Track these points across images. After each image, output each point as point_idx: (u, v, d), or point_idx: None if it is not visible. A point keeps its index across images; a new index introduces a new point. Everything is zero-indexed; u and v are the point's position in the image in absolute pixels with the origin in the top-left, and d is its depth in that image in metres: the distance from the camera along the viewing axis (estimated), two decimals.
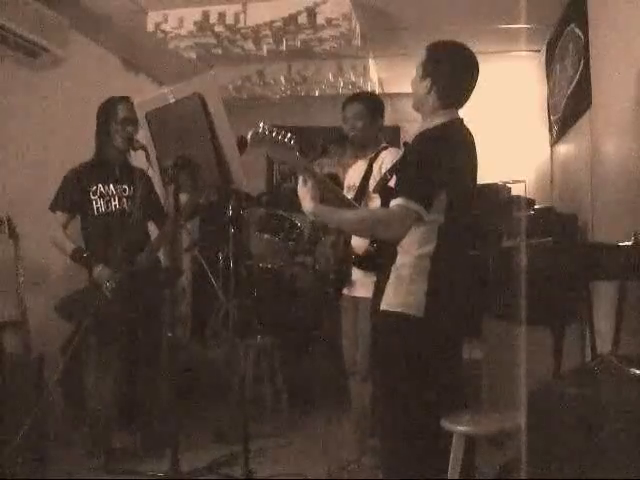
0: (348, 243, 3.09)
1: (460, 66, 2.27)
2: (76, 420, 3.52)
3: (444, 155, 2.14)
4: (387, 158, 3.11)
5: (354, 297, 3.19)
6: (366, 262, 2.80)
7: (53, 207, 3.37)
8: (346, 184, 3.37)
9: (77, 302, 3.25)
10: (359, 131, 3.22)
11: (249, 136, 2.13)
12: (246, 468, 2.94)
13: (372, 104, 3.26)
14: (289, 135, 2.15)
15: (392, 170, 2.64)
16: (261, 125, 2.14)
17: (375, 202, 2.98)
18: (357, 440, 3.32)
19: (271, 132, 2.13)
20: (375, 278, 2.54)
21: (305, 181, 2.18)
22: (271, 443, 3.69)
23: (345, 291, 3.26)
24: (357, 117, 3.22)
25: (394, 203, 2.08)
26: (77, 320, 3.23)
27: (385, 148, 3.24)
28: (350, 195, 3.17)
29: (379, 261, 2.38)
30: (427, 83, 2.24)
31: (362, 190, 3.17)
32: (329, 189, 2.33)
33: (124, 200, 3.42)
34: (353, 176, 3.33)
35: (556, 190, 4.47)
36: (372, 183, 3.12)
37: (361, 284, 3.11)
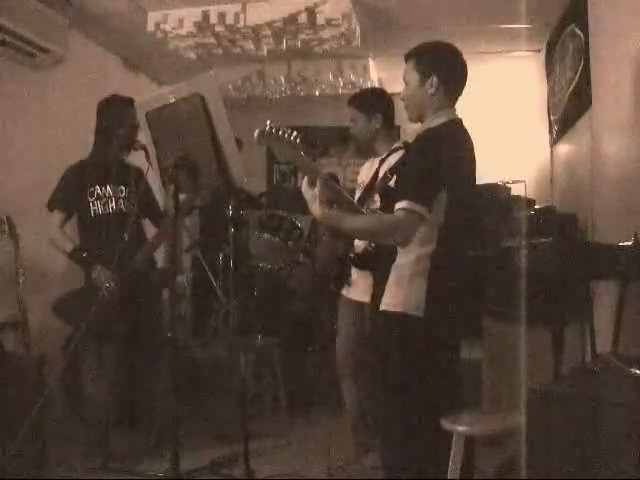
0: (348, 243, 3.08)
1: (457, 60, 2.27)
2: (76, 420, 3.52)
3: (446, 155, 2.14)
4: (393, 161, 3.10)
5: (351, 300, 3.17)
6: (364, 261, 2.80)
7: (51, 205, 3.36)
8: (358, 181, 3.36)
9: (73, 302, 3.25)
10: (356, 134, 3.21)
11: (255, 134, 2.13)
12: (246, 468, 2.94)
13: (365, 104, 3.20)
14: (295, 134, 2.15)
15: (393, 170, 2.64)
16: (268, 123, 2.14)
17: (377, 204, 2.98)
18: (356, 440, 3.32)
19: (277, 131, 2.13)
20: (373, 279, 2.54)
21: (312, 183, 2.17)
22: (271, 443, 3.69)
23: (344, 292, 3.25)
24: (353, 121, 3.20)
25: (399, 207, 2.07)
26: (73, 320, 3.23)
27: (396, 150, 3.20)
28: (358, 193, 3.17)
29: (377, 260, 2.38)
30: (432, 81, 2.22)
31: (368, 191, 3.16)
32: (334, 190, 2.33)
33: (121, 201, 3.41)
34: (364, 174, 3.33)
35: (556, 190, 4.47)
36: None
37: (364, 288, 3.09)
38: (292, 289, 4.84)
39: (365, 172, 3.34)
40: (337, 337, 3.37)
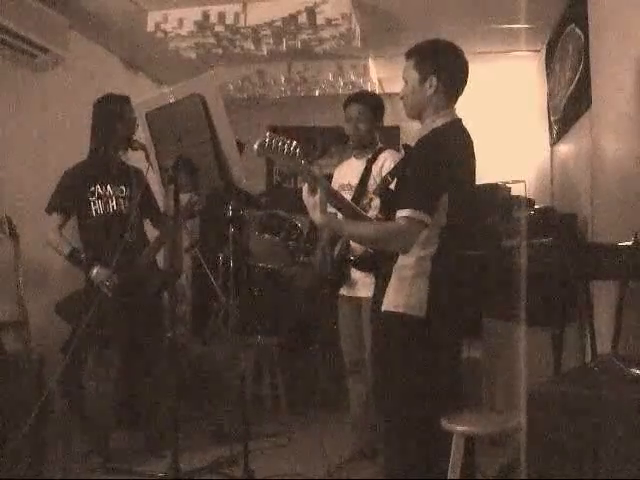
0: (347, 243, 3.09)
1: (458, 59, 2.27)
2: (76, 420, 3.52)
3: (447, 158, 2.14)
4: (387, 161, 3.12)
5: (356, 298, 3.18)
6: (364, 263, 2.81)
7: (49, 209, 3.36)
8: (339, 182, 3.35)
9: (77, 303, 3.25)
10: (362, 132, 3.22)
11: (255, 147, 2.13)
12: (246, 468, 2.94)
13: (374, 104, 3.27)
14: (294, 144, 2.15)
15: (393, 173, 2.64)
16: (267, 135, 2.14)
17: (373, 204, 2.99)
18: (358, 439, 3.33)
19: (277, 142, 2.13)
20: (374, 279, 2.54)
21: (313, 190, 2.16)
22: (271, 443, 3.69)
23: (344, 292, 3.26)
24: (360, 118, 3.21)
25: (401, 215, 2.07)
26: (77, 321, 3.23)
27: (381, 150, 3.24)
28: (346, 194, 3.17)
29: (377, 262, 2.38)
30: (431, 82, 2.21)
31: (360, 191, 3.17)
32: (335, 197, 2.33)
33: (121, 201, 3.41)
34: (347, 175, 3.33)
35: (556, 190, 4.47)
36: (371, 184, 3.12)
37: (362, 284, 3.11)
38: (292, 289, 4.84)
39: (347, 173, 3.34)
40: (341, 336, 3.38)
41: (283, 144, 2.12)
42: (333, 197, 2.28)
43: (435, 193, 2.11)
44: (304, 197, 2.17)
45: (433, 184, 2.11)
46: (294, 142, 2.14)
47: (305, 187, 2.19)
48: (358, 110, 3.22)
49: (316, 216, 2.14)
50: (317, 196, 2.13)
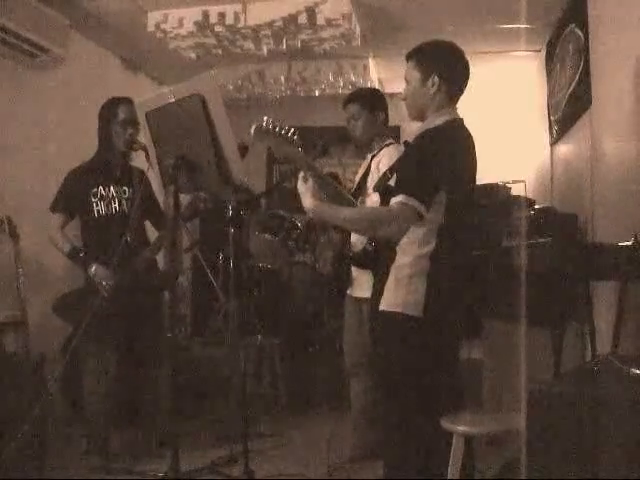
0: (347, 242, 3.08)
1: (458, 59, 2.27)
2: (76, 420, 3.52)
3: (445, 154, 2.14)
4: (386, 156, 3.11)
5: (359, 298, 3.18)
6: (363, 260, 2.81)
7: (53, 208, 3.38)
8: (355, 181, 3.37)
9: (74, 301, 3.25)
10: (360, 131, 3.22)
11: (252, 130, 2.13)
12: (246, 468, 2.94)
13: (369, 101, 3.24)
14: (292, 130, 2.14)
15: (392, 169, 2.65)
16: (265, 119, 2.14)
17: (372, 199, 2.98)
18: (358, 440, 3.33)
19: (274, 127, 2.13)
20: (373, 276, 2.54)
21: (305, 178, 2.17)
22: (271, 443, 3.69)
23: (349, 291, 3.26)
24: (355, 117, 3.21)
25: (394, 201, 2.07)
26: (74, 319, 3.23)
27: (388, 145, 3.23)
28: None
29: (376, 260, 2.38)
30: (433, 81, 2.21)
31: (360, 187, 3.18)
32: (330, 186, 2.33)
33: (124, 202, 3.42)
34: (358, 173, 3.35)
35: (556, 190, 4.47)
36: (370, 180, 3.12)
37: (366, 284, 3.10)
38: (293, 289, 4.85)
39: (359, 172, 3.36)
40: (344, 335, 3.38)
41: (281, 129, 2.12)
42: (325, 184, 2.27)
43: (430, 186, 2.11)
44: (298, 186, 2.17)
45: (429, 177, 2.11)
46: (292, 129, 2.14)
47: (300, 175, 2.19)
48: (353, 109, 3.22)
49: (307, 202, 2.14)
50: (309, 182, 2.13)
